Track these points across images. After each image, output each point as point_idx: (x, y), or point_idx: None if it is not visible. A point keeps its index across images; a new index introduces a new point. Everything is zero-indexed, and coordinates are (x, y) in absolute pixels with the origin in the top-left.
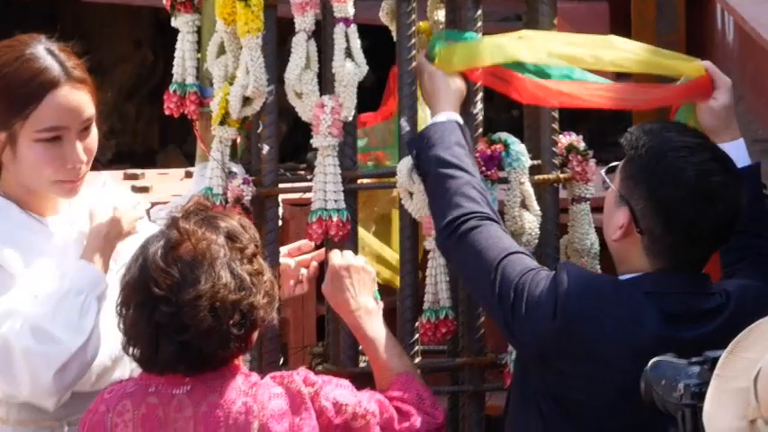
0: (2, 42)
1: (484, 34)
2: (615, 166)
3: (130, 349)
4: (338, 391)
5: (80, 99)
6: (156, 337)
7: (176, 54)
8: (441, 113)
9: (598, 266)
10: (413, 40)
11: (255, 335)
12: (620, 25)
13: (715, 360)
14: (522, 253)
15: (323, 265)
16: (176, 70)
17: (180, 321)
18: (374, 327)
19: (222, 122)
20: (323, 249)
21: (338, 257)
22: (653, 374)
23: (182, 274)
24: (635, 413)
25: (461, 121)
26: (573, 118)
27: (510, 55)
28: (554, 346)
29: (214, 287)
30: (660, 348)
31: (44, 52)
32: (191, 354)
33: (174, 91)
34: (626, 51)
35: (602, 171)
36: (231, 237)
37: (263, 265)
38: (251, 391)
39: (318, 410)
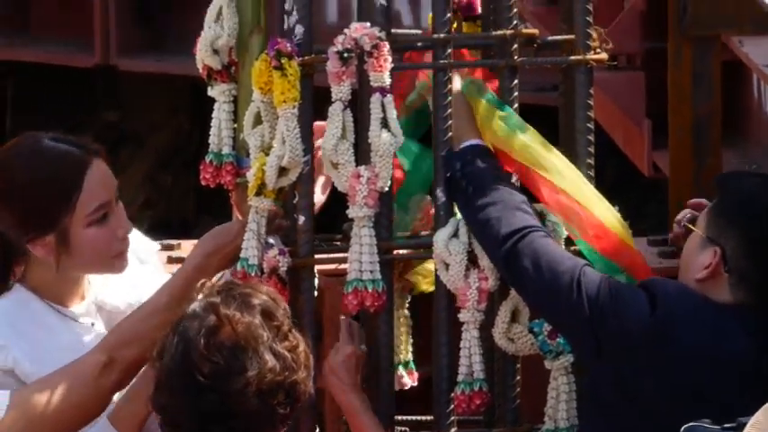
0: (6, 152)
1: (519, 104)
2: (695, 217)
3: (169, 428)
4: None
5: (107, 169)
6: (203, 423)
7: (212, 123)
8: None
9: None
10: (448, 110)
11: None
12: (656, 95)
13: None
14: None
15: None
16: (212, 140)
17: (228, 409)
18: (374, 418)
19: (258, 193)
20: None
21: (349, 344)
22: None
23: (226, 362)
24: (698, 416)
25: None
26: (609, 190)
27: (544, 167)
28: (646, 340)
29: (260, 373)
30: (741, 369)
31: (54, 142)
32: None
33: (211, 161)
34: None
35: (684, 221)
36: (267, 315)
37: (298, 337)
38: None
39: None
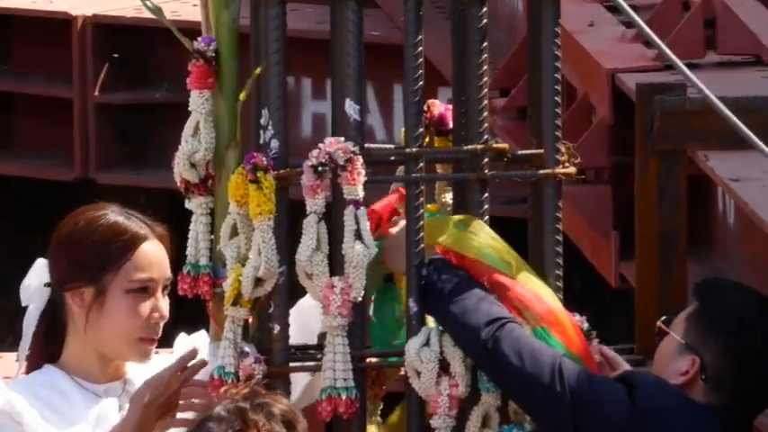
0: (79, 209)
1: (490, 216)
2: (671, 318)
3: None
4: None
5: (164, 255)
6: None
7: (190, 235)
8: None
9: None
10: (420, 223)
11: None
12: (624, 207)
13: None
14: None
15: None
16: (190, 251)
17: None
18: None
19: (235, 303)
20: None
21: None
22: None
23: None
24: None
25: None
26: (576, 299)
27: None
28: (626, 428)
29: None
30: None
31: (127, 215)
32: None
33: (188, 272)
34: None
35: (660, 321)
36: (289, 425)
37: None
38: None
39: None
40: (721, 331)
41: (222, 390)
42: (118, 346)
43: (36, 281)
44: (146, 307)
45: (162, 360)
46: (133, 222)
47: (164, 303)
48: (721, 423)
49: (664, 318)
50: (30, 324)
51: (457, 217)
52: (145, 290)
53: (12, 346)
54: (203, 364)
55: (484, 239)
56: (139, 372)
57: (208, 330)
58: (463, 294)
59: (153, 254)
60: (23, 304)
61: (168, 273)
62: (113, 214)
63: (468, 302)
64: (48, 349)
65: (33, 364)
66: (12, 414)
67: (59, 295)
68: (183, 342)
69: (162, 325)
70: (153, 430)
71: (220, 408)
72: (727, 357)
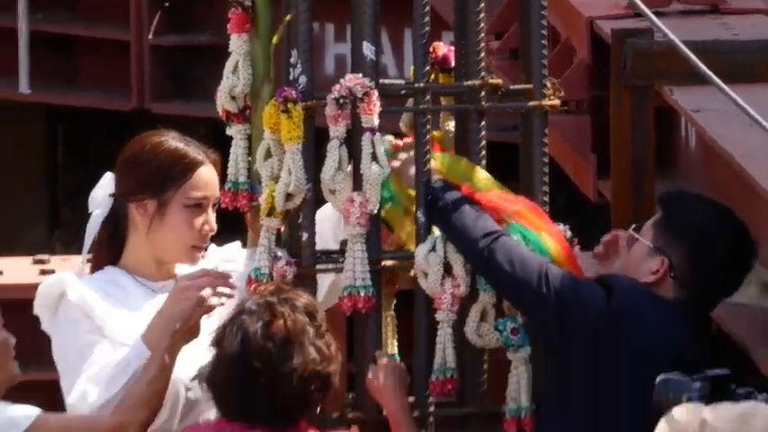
0: (143, 134)
1: (486, 141)
2: (640, 226)
3: (219, 402)
4: None
5: (216, 177)
6: (250, 399)
7: (231, 157)
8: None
9: None
10: (427, 147)
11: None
12: (600, 134)
13: (714, 378)
14: None
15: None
16: (230, 171)
17: (274, 390)
18: (409, 420)
19: (269, 214)
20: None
21: (387, 356)
22: (663, 388)
23: (278, 351)
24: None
25: None
26: (561, 213)
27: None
28: (603, 327)
29: (304, 362)
30: (680, 355)
31: (184, 140)
32: (280, 412)
33: (229, 188)
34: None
35: (631, 229)
36: (311, 315)
37: (331, 336)
38: None
39: None
40: (684, 239)
41: (253, 288)
42: (174, 251)
43: (102, 192)
44: (199, 220)
45: (204, 263)
46: (191, 148)
47: (213, 218)
48: (686, 316)
49: (634, 226)
50: (92, 229)
51: (456, 157)
52: (199, 206)
53: (78, 251)
54: (230, 295)
55: (469, 170)
56: (186, 272)
57: (244, 239)
58: (463, 211)
59: (207, 176)
60: (90, 211)
61: (218, 192)
62: (174, 141)
63: (468, 218)
64: (109, 252)
65: (96, 264)
66: (83, 307)
67: (123, 205)
68: (216, 252)
69: (210, 236)
70: (179, 352)
71: (251, 302)
72: (691, 263)
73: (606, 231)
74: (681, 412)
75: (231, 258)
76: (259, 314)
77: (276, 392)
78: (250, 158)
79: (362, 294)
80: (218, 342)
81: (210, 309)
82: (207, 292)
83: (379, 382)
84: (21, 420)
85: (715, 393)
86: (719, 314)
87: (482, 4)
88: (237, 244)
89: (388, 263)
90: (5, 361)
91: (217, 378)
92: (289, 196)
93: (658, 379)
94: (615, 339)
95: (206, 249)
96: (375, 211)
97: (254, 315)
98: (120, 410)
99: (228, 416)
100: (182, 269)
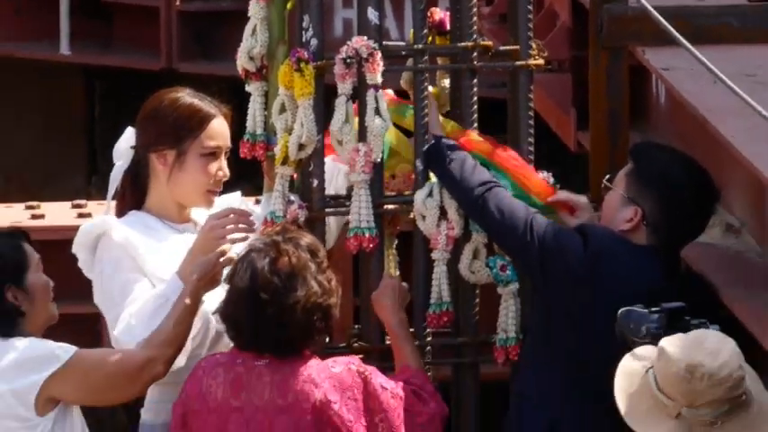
0: (161, 91)
1: (478, 97)
2: (614, 176)
3: (231, 333)
4: (381, 378)
5: (227, 128)
6: (259, 329)
7: (249, 111)
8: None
9: None
10: (425, 102)
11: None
12: (580, 90)
13: (670, 310)
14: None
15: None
16: (249, 123)
17: (280, 320)
18: (405, 333)
19: (283, 163)
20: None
21: (390, 277)
22: (624, 319)
23: (283, 284)
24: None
25: None
26: (547, 161)
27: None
28: (581, 271)
29: (307, 294)
30: (653, 295)
31: (198, 96)
32: (285, 341)
33: (247, 139)
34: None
35: (605, 179)
36: (313, 253)
37: (332, 272)
38: (318, 367)
39: (372, 391)
40: (654, 188)
41: (262, 229)
42: (192, 196)
43: (125, 144)
44: (214, 167)
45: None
46: (205, 103)
47: (225, 165)
48: (658, 259)
49: (608, 176)
50: (115, 177)
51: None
52: (213, 154)
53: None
54: (244, 238)
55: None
56: (201, 216)
57: (259, 186)
58: (459, 162)
59: (220, 127)
60: (114, 162)
61: (229, 142)
62: (189, 96)
63: (464, 169)
64: (132, 197)
65: (120, 209)
66: (126, 247)
67: (144, 156)
68: (221, 200)
69: (223, 181)
70: (201, 298)
71: (258, 241)
72: (661, 211)
73: (585, 178)
74: (642, 348)
75: (232, 203)
76: (266, 252)
77: (282, 322)
78: (266, 113)
79: (367, 235)
80: (231, 278)
81: (231, 260)
82: (228, 242)
83: (381, 299)
84: (61, 355)
85: (672, 324)
86: (689, 254)
87: None
88: (238, 194)
89: (390, 207)
90: (45, 302)
91: (229, 311)
92: (301, 146)
93: (620, 311)
94: (593, 282)
95: (219, 194)
96: (378, 160)
97: (261, 253)
98: (150, 346)
99: (240, 346)
100: (197, 213)
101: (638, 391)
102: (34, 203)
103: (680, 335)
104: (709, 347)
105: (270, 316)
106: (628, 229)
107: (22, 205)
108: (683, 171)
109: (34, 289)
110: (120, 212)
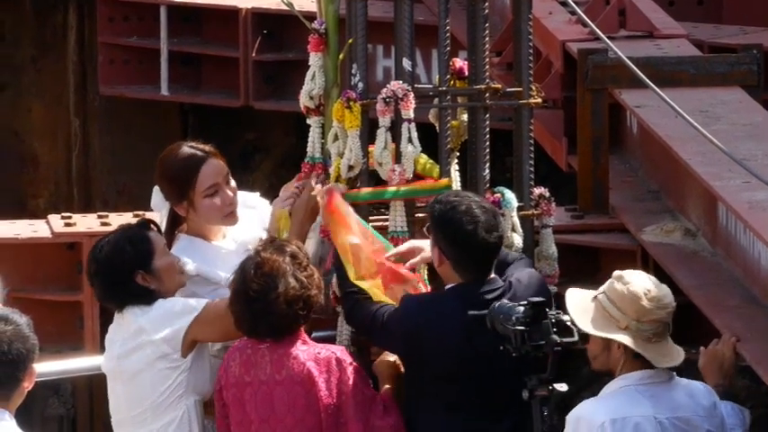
0: (161, 155)
1: (490, 128)
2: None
3: (237, 323)
4: (360, 376)
5: (218, 163)
6: (254, 319)
7: (309, 140)
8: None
9: (556, 265)
10: (449, 132)
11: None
12: (570, 123)
13: (533, 303)
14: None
15: None
16: (309, 149)
17: (268, 310)
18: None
19: (336, 180)
20: None
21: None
22: (495, 312)
23: (266, 283)
24: (471, 370)
25: None
26: (544, 179)
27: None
28: (402, 345)
29: (286, 289)
30: (458, 343)
31: (189, 147)
32: (276, 327)
33: (307, 162)
34: None
35: (425, 228)
36: (293, 256)
37: (314, 269)
38: (306, 351)
39: (345, 378)
40: (440, 227)
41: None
42: (214, 223)
43: (157, 198)
44: (218, 200)
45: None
46: (191, 152)
47: (229, 191)
48: (461, 297)
49: (427, 225)
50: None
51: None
52: (215, 192)
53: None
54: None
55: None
56: (236, 230)
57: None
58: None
59: (210, 167)
60: (155, 210)
61: (225, 172)
62: (177, 152)
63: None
64: (174, 229)
65: (168, 239)
66: (208, 275)
67: (171, 207)
68: (241, 194)
69: (235, 201)
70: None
71: (252, 251)
72: (448, 241)
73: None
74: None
75: (252, 205)
76: (253, 260)
77: (269, 312)
78: (323, 141)
79: (401, 237)
80: (231, 282)
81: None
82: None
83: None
84: (196, 305)
85: (535, 315)
86: (656, 252)
87: (487, 31)
88: (257, 194)
89: (420, 215)
90: (172, 278)
91: (233, 307)
92: (350, 168)
93: (493, 305)
94: (415, 355)
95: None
96: (410, 177)
97: (249, 261)
98: None
99: (246, 333)
100: (229, 229)
101: (590, 307)
102: (104, 213)
103: (630, 271)
104: (655, 282)
105: (260, 308)
106: (438, 266)
107: (129, 214)
108: (455, 213)
109: (161, 270)
110: (168, 239)
